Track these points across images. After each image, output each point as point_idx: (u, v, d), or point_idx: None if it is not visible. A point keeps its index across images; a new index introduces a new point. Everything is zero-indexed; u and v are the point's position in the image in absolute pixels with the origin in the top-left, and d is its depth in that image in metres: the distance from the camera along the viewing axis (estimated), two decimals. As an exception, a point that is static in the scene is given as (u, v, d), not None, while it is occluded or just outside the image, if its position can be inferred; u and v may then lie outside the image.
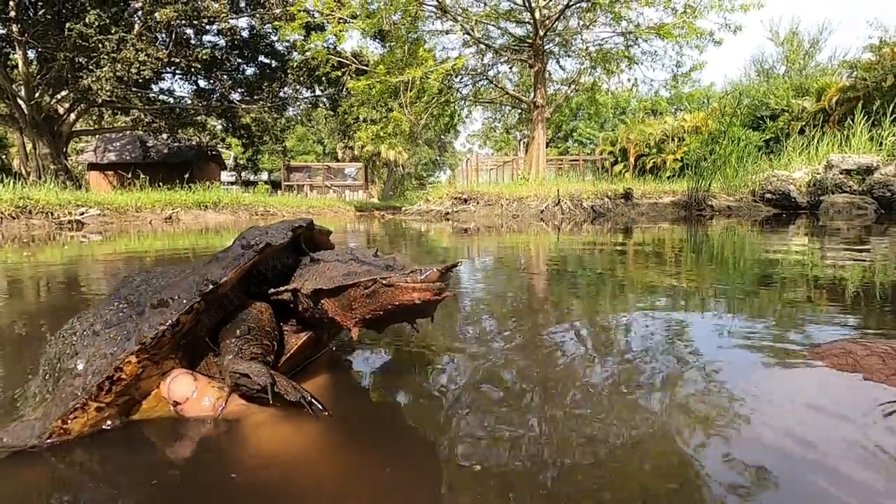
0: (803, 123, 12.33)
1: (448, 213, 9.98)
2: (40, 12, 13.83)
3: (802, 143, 10.31)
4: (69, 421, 0.73)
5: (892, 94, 10.09)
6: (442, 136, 33.67)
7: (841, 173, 8.07)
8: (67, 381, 0.75)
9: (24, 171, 16.48)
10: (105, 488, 0.67)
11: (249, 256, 0.86)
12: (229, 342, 0.84)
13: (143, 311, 0.80)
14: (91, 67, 13.19)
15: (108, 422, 0.79)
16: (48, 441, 0.74)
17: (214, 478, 0.70)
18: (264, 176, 37.14)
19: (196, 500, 0.66)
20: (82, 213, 8.64)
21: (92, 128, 20.07)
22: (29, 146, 16.47)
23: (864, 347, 1.06)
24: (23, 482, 0.70)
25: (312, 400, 0.81)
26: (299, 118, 21.23)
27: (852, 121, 9.74)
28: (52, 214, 8.36)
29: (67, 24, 12.85)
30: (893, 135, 9.07)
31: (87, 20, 12.77)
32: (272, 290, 0.92)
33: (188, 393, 0.80)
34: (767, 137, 12.63)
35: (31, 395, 0.83)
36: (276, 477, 0.69)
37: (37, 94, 15.17)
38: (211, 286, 0.80)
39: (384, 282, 0.79)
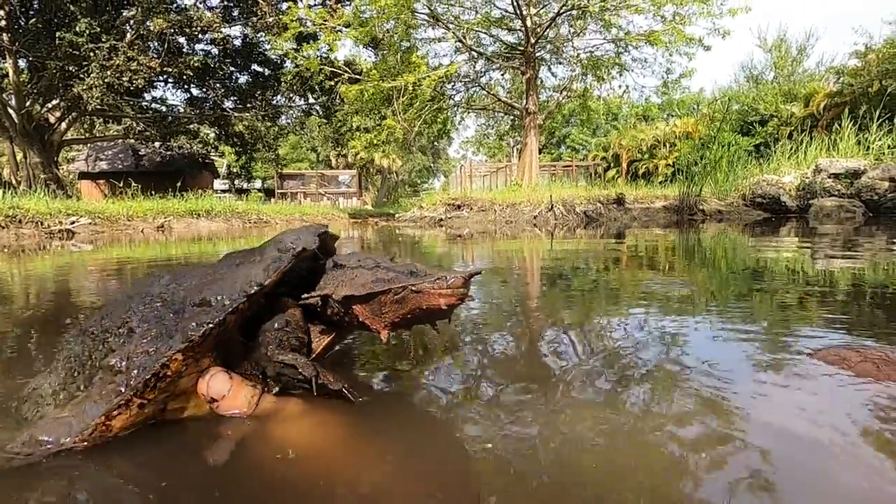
0: (792, 128, 12.50)
1: (442, 220, 9.99)
2: (31, 21, 13.76)
3: (791, 148, 10.44)
4: (113, 417, 0.73)
5: (878, 100, 10.26)
6: (435, 143, 33.76)
7: (829, 177, 8.18)
8: (107, 379, 0.75)
9: (13, 181, 16.32)
10: (148, 486, 0.69)
11: (288, 259, 0.89)
12: (269, 334, 0.87)
13: (180, 309, 0.81)
14: (82, 76, 13.12)
15: (146, 419, 0.79)
16: (89, 437, 0.73)
17: (252, 471, 0.72)
18: (258, 184, 37.03)
19: (235, 493, 0.68)
20: (73, 222, 8.57)
21: (83, 136, 19.95)
22: (19, 155, 16.32)
23: (858, 354, 1.07)
24: (62, 482, 0.70)
25: (351, 390, 0.85)
26: (292, 126, 21.21)
27: (840, 126, 9.88)
28: (42, 224, 8.27)
29: (58, 33, 12.78)
30: (880, 139, 9.21)
31: (77, 29, 12.71)
32: (304, 294, 0.95)
33: (224, 390, 0.82)
34: (757, 142, 12.78)
35: (50, 393, 0.81)
36: (313, 469, 0.71)
37: (27, 103, 15.06)
38: (256, 288, 0.82)
39: (414, 288, 0.83)
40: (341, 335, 1.06)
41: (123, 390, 0.73)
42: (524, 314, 1.73)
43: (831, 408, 0.87)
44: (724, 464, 0.69)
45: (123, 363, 0.75)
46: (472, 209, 10.31)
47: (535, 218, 9.37)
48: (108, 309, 0.87)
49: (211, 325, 0.77)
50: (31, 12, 13.97)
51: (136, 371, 0.74)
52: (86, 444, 0.72)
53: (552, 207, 9.39)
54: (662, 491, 0.65)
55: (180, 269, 0.95)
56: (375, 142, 13.95)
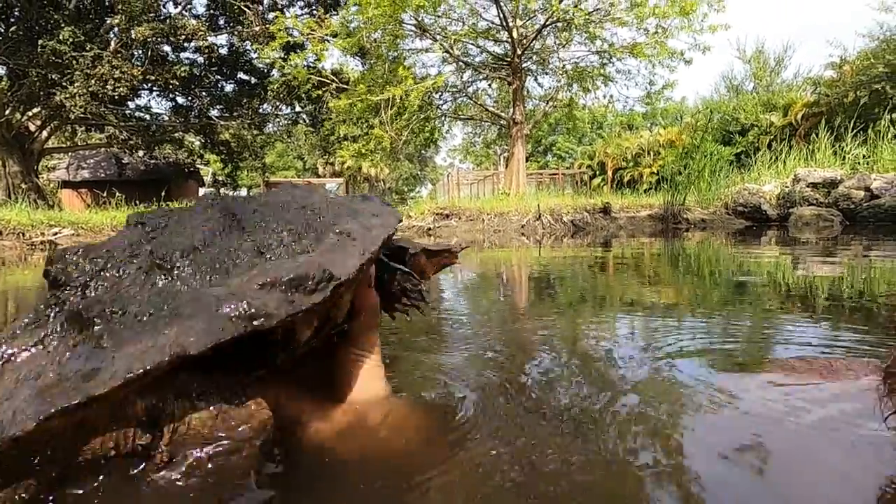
0: (771, 137, 12.80)
1: (430, 229, 10.02)
2: (11, 28, 13.56)
3: (771, 158, 10.70)
4: (362, 270, 0.80)
5: (853, 110, 10.58)
6: (422, 151, 33.85)
7: (808, 186, 8.40)
8: (345, 242, 0.83)
9: (-8, 191, 15.97)
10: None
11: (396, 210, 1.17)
12: (385, 256, 1.10)
13: (356, 215, 0.94)
14: (64, 84, 12.94)
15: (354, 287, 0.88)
16: (355, 277, 0.78)
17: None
18: (244, 192, 36.75)
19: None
20: (55, 234, 8.42)
21: (65, 145, 19.62)
22: (-2, 165, 16.00)
23: (806, 363, 1.21)
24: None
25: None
26: (279, 134, 21.11)
27: (817, 135, 10.17)
28: (23, 235, 8.13)
29: (40, 41, 12.61)
30: (855, 149, 9.50)
31: (60, 36, 12.55)
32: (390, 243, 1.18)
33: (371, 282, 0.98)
34: (738, 151, 13.07)
35: (270, 247, 0.78)
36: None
37: (7, 112, 14.79)
38: (400, 218, 1.02)
39: (454, 250, 1.20)
40: None
41: (368, 248, 0.83)
42: (527, 316, 1.76)
43: (771, 404, 0.93)
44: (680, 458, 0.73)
45: (358, 233, 0.85)
46: (460, 218, 10.36)
47: (523, 227, 9.46)
48: (292, 202, 0.92)
49: (393, 228, 0.92)
50: (13, 19, 13.77)
51: (367, 242, 0.84)
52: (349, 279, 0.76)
53: (540, 217, 9.49)
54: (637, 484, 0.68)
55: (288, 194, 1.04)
56: (363, 151, 13.98)
